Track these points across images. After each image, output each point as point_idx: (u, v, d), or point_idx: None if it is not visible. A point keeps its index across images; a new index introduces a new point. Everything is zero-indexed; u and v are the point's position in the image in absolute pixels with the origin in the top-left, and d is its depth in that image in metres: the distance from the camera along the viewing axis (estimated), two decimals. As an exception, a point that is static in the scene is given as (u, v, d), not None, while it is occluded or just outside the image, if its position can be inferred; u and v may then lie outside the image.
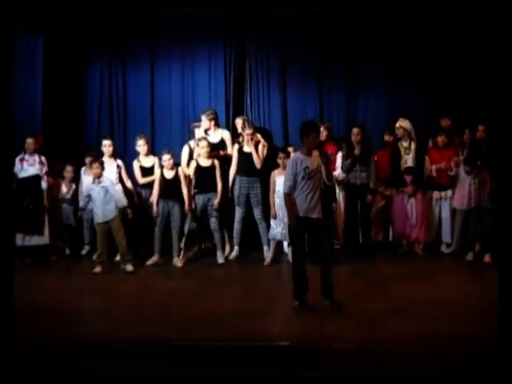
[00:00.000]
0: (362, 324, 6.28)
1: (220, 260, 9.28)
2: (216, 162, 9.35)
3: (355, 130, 9.44)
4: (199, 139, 9.39)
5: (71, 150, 10.43)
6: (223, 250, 9.49)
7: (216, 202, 9.25)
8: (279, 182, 8.75)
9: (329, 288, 6.90)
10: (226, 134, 9.83)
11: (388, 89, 10.64)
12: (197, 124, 9.84)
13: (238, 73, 10.80)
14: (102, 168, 8.88)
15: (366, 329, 6.13)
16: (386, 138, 9.81)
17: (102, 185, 8.76)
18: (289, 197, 6.87)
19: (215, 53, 10.74)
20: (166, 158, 9.14)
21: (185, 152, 9.71)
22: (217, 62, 10.75)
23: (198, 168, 9.29)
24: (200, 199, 9.28)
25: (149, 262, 9.19)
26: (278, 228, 8.95)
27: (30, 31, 10.37)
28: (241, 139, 9.60)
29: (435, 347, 5.60)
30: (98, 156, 9.49)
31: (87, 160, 9.66)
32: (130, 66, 10.89)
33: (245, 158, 9.44)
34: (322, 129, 9.45)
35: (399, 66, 10.51)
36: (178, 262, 9.16)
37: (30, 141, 9.44)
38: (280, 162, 8.95)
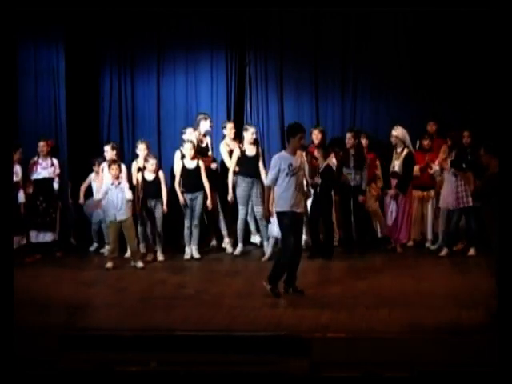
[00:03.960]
0: (355, 314, 6.61)
1: (196, 255, 9.54)
2: (201, 163, 9.64)
3: (348, 135, 9.74)
4: (186, 141, 9.66)
5: (86, 154, 10.66)
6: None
7: (208, 202, 9.55)
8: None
9: (294, 279, 7.43)
10: (208, 139, 10.17)
11: (383, 94, 10.76)
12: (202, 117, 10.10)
13: (239, 81, 11.05)
14: (120, 170, 9.21)
15: (358, 319, 6.46)
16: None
17: (121, 186, 9.08)
18: (269, 190, 7.38)
19: (217, 63, 10.97)
20: (154, 163, 9.46)
21: (177, 156, 9.93)
22: (218, 71, 10.97)
23: (184, 169, 9.60)
24: (187, 198, 9.57)
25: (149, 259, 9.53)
26: (275, 225, 9.30)
27: (47, 43, 10.66)
28: (242, 144, 9.91)
29: (421, 335, 5.95)
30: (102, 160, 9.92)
31: (95, 167, 10.06)
32: (138, 76, 11.16)
33: (246, 160, 9.77)
34: (316, 132, 9.92)
35: (395, 70, 10.63)
36: (161, 256, 9.49)
37: (41, 144, 9.79)
38: None
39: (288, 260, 7.34)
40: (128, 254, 9.58)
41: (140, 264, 9.10)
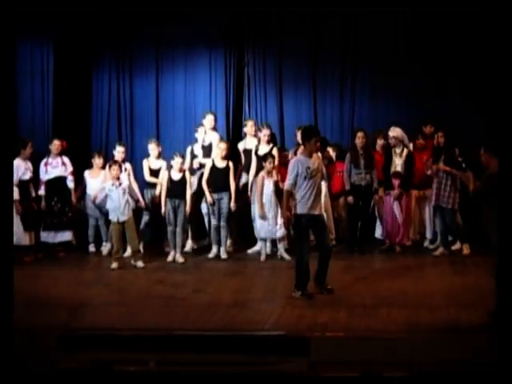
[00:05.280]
0: (353, 314, 6.63)
1: (223, 256, 9.53)
2: (230, 163, 9.63)
3: (360, 134, 9.69)
4: (220, 142, 9.70)
5: (79, 154, 10.67)
6: (226, 245, 9.73)
7: (232, 204, 9.53)
8: (267, 184, 9.23)
9: (324, 277, 7.39)
10: (215, 137, 10.08)
11: (382, 94, 10.82)
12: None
13: (237, 81, 11.12)
14: (120, 170, 9.18)
15: (357, 319, 6.48)
16: (380, 142, 10.08)
17: (122, 186, 9.05)
18: (287, 193, 7.34)
19: (216, 62, 11.05)
20: (179, 161, 9.39)
21: (188, 153, 10.04)
22: (217, 70, 11.06)
23: (214, 168, 9.59)
24: (214, 197, 9.55)
25: (169, 259, 9.44)
26: (264, 226, 9.31)
27: (41, 41, 10.79)
28: (256, 142, 9.96)
29: (420, 334, 5.98)
30: (106, 158, 9.96)
31: (95, 161, 10.06)
32: (136, 75, 11.24)
33: (258, 160, 9.77)
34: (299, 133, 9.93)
35: (394, 70, 10.70)
36: (179, 258, 9.42)
37: (57, 143, 9.80)
38: (269, 165, 9.29)
39: (307, 263, 7.29)
40: (127, 253, 9.58)
41: (140, 264, 9.08)
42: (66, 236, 9.82)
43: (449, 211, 9.36)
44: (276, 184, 9.30)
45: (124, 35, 11.16)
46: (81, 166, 10.31)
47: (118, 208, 9.04)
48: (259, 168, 9.72)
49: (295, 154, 9.83)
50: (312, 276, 7.40)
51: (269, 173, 9.31)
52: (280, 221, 9.15)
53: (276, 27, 11.02)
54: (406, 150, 9.70)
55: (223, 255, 9.57)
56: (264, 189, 9.30)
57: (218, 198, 9.57)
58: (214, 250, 9.63)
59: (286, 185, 7.35)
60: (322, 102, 10.97)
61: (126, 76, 11.27)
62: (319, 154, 7.63)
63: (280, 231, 9.27)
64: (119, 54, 11.29)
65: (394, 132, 9.69)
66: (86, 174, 10.20)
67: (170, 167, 9.55)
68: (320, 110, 10.96)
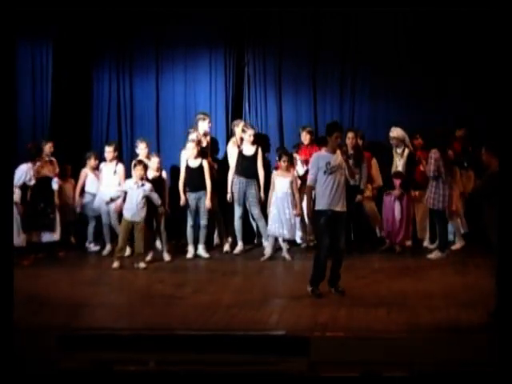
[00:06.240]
0: (353, 314, 6.65)
1: (204, 255, 9.55)
2: (204, 162, 9.64)
3: (350, 135, 9.68)
4: (188, 141, 9.70)
5: (79, 154, 10.60)
6: (206, 245, 9.73)
7: (207, 202, 9.55)
8: (278, 182, 9.26)
9: (336, 279, 7.42)
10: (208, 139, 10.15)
11: (382, 94, 10.78)
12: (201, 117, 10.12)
13: (237, 81, 11.09)
14: (145, 170, 9.16)
15: (357, 318, 6.50)
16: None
17: (144, 188, 9.01)
18: (310, 189, 7.41)
19: (216, 62, 11.02)
20: (156, 161, 9.43)
21: (183, 156, 9.90)
22: (217, 70, 11.02)
23: (188, 168, 9.61)
24: (191, 197, 9.60)
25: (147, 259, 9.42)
26: (275, 224, 9.32)
27: (41, 41, 10.80)
28: (240, 142, 9.93)
29: (420, 334, 5.99)
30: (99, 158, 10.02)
31: (90, 162, 10.03)
32: (136, 75, 11.22)
33: (244, 160, 9.80)
34: (304, 133, 9.97)
35: (394, 70, 10.66)
36: (167, 256, 9.45)
37: (49, 145, 9.81)
38: (284, 164, 9.34)
39: (324, 259, 7.30)
40: (127, 252, 9.56)
41: (143, 265, 9.06)
42: (47, 237, 9.64)
43: (436, 212, 9.29)
44: (292, 183, 9.34)
45: (124, 35, 11.15)
46: (81, 166, 10.27)
47: (132, 209, 9.01)
48: (244, 168, 9.73)
49: (296, 152, 9.91)
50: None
51: (283, 171, 9.35)
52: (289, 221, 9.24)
53: (276, 27, 11.00)
54: (407, 150, 9.69)
55: (204, 254, 9.59)
56: (276, 187, 9.33)
57: (197, 198, 9.59)
58: (191, 249, 9.66)
59: (309, 180, 7.43)
60: (322, 102, 10.95)
61: (126, 76, 11.25)
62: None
63: (288, 231, 9.28)
64: (119, 54, 11.28)
65: (395, 132, 9.67)
66: (84, 173, 10.13)
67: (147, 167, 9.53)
68: (320, 110, 10.93)
